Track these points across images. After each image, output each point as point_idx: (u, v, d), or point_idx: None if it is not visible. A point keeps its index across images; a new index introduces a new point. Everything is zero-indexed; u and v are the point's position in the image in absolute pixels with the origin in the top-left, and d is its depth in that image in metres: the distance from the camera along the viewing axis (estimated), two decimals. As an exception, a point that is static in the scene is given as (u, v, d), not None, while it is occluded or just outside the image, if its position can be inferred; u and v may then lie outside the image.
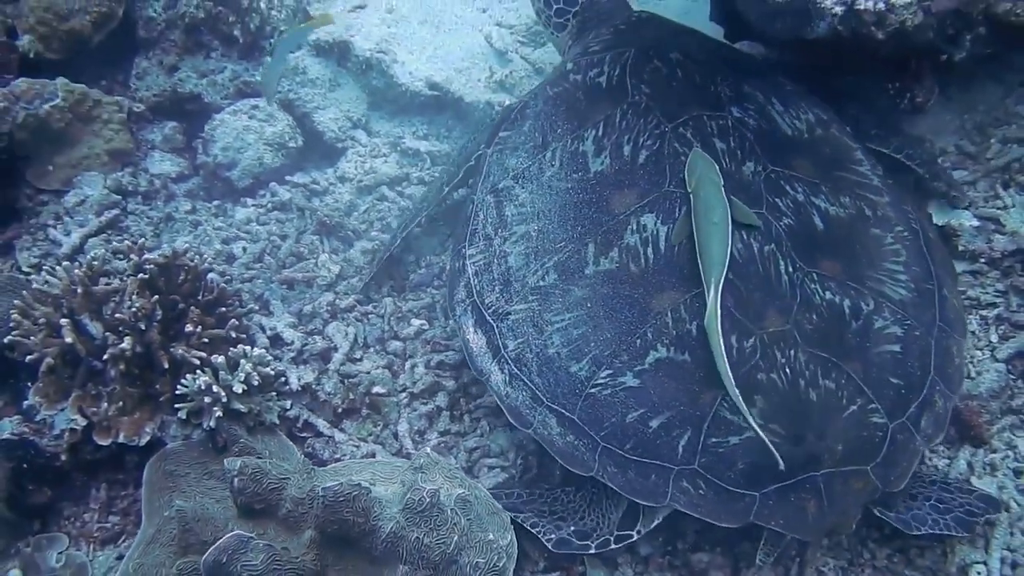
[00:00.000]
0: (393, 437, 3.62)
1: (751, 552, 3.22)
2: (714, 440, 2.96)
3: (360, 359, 3.83)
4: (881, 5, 3.53)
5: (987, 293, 3.75)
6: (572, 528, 3.16)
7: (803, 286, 3.11)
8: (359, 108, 4.91)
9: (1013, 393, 3.51)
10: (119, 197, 4.40)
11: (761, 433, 2.84)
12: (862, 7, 3.59)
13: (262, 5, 4.72)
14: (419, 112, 4.91)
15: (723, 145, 3.38)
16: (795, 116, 3.57)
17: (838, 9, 3.54)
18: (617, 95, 3.57)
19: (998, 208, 3.90)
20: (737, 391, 2.86)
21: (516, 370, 3.26)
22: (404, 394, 3.74)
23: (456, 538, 2.78)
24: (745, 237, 3.16)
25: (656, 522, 3.10)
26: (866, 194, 3.41)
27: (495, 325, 3.36)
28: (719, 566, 3.21)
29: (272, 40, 4.06)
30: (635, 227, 3.26)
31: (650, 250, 3.21)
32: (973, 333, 3.66)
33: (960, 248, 3.80)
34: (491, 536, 2.87)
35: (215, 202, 4.57)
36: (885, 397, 3.04)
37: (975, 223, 3.85)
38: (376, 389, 3.68)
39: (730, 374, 2.87)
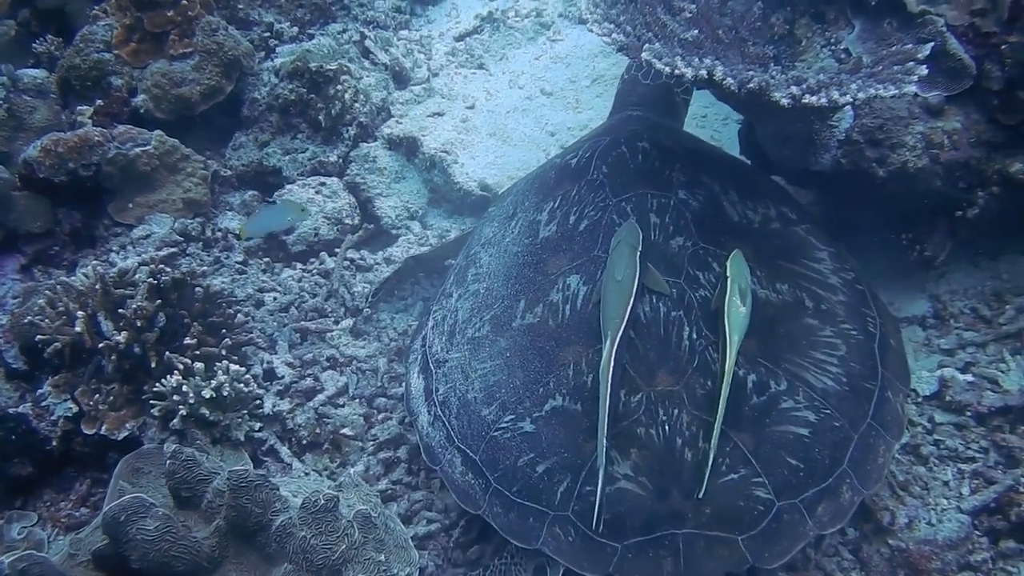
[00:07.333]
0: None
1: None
2: (588, 488, 2.98)
3: (343, 405, 4.00)
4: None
5: (969, 448, 3.61)
6: None
7: (704, 353, 3.14)
8: (418, 201, 5.25)
9: (973, 548, 3.31)
10: (181, 239, 4.85)
11: (601, 480, 2.87)
12: (860, 140, 3.70)
13: (346, 96, 5.22)
14: (471, 212, 5.20)
15: (657, 220, 3.46)
16: (751, 208, 3.59)
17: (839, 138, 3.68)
18: (581, 174, 3.75)
19: (1000, 371, 3.79)
20: (605, 440, 2.89)
21: (440, 412, 3.41)
22: (372, 443, 3.86)
23: (343, 548, 2.82)
24: (654, 301, 3.23)
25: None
26: (812, 287, 3.40)
27: (434, 371, 3.53)
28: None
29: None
30: (561, 286, 3.39)
31: (568, 307, 3.32)
32: (946, 484, 3.53)
33: (948, 399, 3.72)
34: (382, 558, 2.90)
35: (265, 259, 4.92)
36: (776, 474, 2.98)
37: (969, 378, 3.75)
38: (344, 431, 3.83)
39: (605, 422, 2.90)
